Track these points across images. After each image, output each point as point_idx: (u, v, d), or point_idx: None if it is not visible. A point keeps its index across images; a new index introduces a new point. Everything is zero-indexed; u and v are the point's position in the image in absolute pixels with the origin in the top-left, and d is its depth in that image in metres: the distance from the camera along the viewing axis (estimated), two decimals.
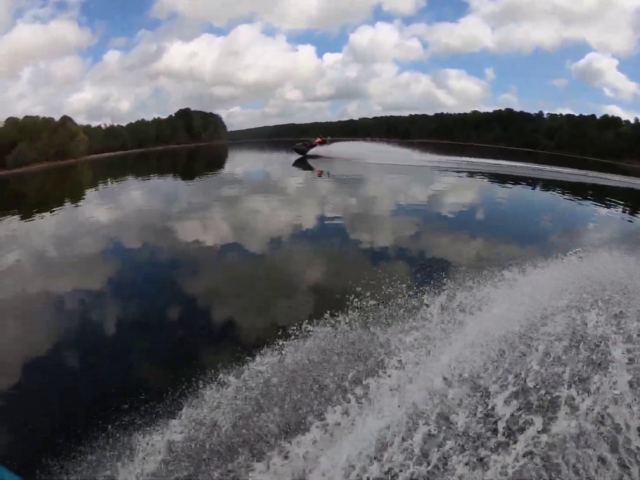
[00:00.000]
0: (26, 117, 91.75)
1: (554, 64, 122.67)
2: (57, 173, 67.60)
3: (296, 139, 55.32)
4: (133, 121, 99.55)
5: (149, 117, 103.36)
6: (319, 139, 31.99)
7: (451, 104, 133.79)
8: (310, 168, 28.71)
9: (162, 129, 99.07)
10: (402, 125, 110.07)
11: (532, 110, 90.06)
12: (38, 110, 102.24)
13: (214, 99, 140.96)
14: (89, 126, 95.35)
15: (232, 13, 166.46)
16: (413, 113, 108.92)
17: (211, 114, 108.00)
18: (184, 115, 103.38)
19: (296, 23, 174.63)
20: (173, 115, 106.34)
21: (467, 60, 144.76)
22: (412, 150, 35.93)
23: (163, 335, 5.20)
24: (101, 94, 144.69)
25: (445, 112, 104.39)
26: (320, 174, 25.80)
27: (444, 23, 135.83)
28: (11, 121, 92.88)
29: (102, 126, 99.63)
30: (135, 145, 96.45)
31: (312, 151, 31.26)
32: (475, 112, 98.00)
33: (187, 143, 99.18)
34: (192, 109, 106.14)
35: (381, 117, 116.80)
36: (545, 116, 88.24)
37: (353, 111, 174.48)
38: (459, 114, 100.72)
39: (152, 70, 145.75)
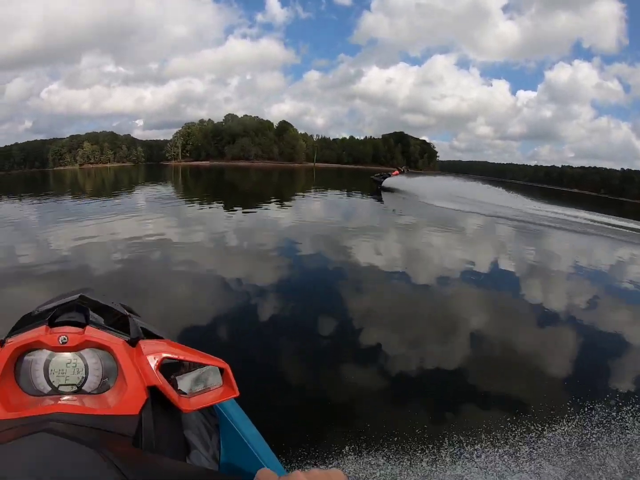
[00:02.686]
0: (245, 116, 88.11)
1: None
2: (279, 173, 56.42)
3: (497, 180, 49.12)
4: (324, 135, 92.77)
5: (340, 135, 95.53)
6: (396, 171, 26.87)
7: None
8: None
9: (378, 149, 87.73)
10: (612, 179, 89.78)
11: None
12: (241, 114, 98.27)
13: (404, 125, 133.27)
14: (305, 134, 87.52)
15: (428, 42, 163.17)
16: (614, 166, 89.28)
17: (425, 142, 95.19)
18: (400, 138, 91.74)
19: (492, 55, 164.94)
20: (382, 136, 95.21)
21: None
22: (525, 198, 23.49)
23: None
24: (299, 108, 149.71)
25: None
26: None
27: None
28: (230, 116, 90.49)
29: (314, 137, 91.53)
30: (350, 161, 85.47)
31: (385, 182, 24.83)
32: None
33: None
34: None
35: (588, 167, 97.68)
36: None
37: (544, 154, 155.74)
38: None
39: (349, 92, 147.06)
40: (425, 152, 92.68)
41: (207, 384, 0.59)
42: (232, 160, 78.37)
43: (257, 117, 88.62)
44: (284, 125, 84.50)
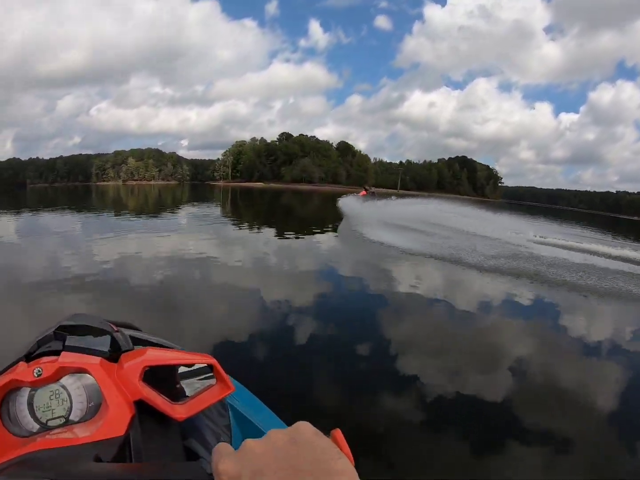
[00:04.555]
0: (301, 135, 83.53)
1: None
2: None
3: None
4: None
5: (379, 158, 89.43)
6: (363, 192, 24.45)
7: None
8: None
9: (443, 175, 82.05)
10: None
11: None
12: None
13: (445, 150, 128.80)
14: (365, 156, 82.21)
15: (470, 65, 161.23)
16: None
17: (488, 167, 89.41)
18: (463, 163, 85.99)
19: (534, 77, 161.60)
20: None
21: None
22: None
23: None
24: (341, 132, 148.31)
25: None
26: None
27: None
28: (284, 135, 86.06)
29: (372, 160, 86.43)
30: (413, 187, 79.73)
31: (342, 202, 20.30)
32: None
33: (468, 195, 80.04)
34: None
35: None
36: None
37: (587, 178, 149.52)
38: None
39: (390, 116, 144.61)
40: (490, 178, 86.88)
41: (199, 385, 0.55)
42: (291, 183, 73.05)
43: (315, 136, 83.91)
44: (346, 146, 79.46)
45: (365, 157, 79.11)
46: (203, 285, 6.24)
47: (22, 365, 0.48)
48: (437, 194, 75.99)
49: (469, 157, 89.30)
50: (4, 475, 0.38)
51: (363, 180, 71.11)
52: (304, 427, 0.30)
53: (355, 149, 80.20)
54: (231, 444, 0.57)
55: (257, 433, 0.76)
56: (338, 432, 0.31)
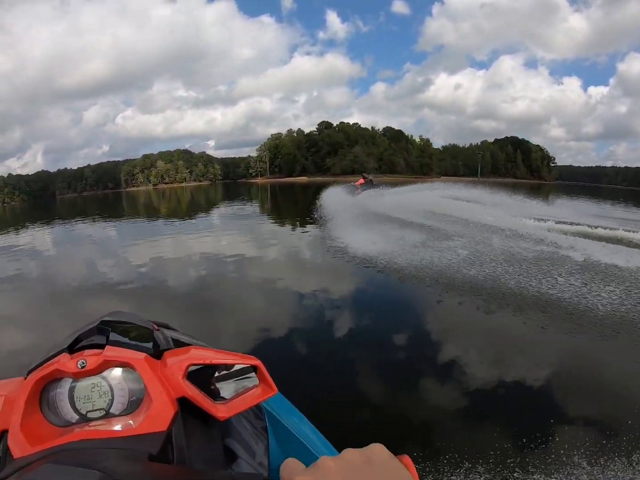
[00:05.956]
0: (342, 123, 78.83)
1: None
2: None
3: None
4: None
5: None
6: (361, 180, 23.74)
7: None
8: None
9: (497, 158, 76.91)
10: None
11: None
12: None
13: (473, 132, 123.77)
14: (427, 141, 76.74)
15: (494, 44, 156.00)
16: None
17: (539, 147, 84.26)
18: (517, 143, 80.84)
19: (561, 52, 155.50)
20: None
21: None
22: None
23: None
24: (367, 121, 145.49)
25: None
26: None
27: None
28: (324, 124, 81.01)
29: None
30: (467, 173, 74.60)
31: (324, 196, 17.08)
32: None
33: (525, 178, 74.97)
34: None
35: None
36: None
37: (621, 153, 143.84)
38: None
39: (416, 101, 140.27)
40: (544, 158, 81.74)
41: (242, 386, 0.56)
42: (340, 175, 68.30)
43: (357, 123, 78.95)
44: (396, 132, 74.32)
45: (427, 142, 73.90)
46: (240, 282, 6.75)
47: (65, 356, 0.48)
48: (493, 178, 70.57)
49: (521, 138, 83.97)
50: (50, 462, 0.38)
51: (428, 167, 66.30)
52: (379, 449, 0.30)
53: (407, 136, 75.23)
54: (267, 447, 0.59)
55: (289, 436, 0.77)
56: (407, 458, 0.31)
